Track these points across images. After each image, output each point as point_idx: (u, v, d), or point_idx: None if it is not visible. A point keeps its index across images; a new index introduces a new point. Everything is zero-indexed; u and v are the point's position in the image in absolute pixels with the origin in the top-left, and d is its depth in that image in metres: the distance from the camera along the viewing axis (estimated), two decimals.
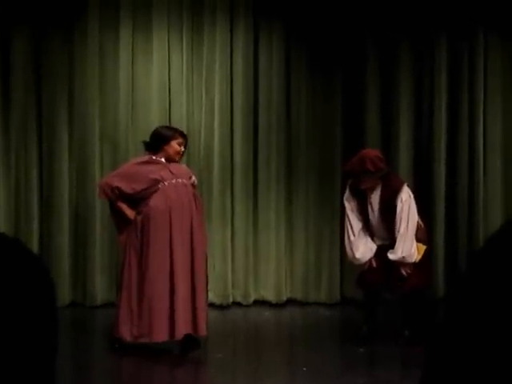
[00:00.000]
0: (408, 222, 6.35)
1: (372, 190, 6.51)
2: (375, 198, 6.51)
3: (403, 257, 6.34)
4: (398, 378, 5.83)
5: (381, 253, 6.48)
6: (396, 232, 6.37)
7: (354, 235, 6.55)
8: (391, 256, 6.38)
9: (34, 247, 7.91)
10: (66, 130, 8.14)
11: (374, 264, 6.50)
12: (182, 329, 6.07)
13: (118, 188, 6.23)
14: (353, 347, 6.47)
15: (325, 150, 8.41)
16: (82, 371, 6.13)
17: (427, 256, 6.66)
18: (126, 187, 6.21)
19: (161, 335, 6.10)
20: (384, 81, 8.40)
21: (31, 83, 8.06)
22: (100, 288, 8.11)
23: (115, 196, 6.25)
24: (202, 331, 6.17)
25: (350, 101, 8.40)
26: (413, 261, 6.39)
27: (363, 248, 6.55)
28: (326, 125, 8.42)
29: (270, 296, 8.34)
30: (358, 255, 6.54)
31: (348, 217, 6.60)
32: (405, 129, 8.36)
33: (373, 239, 6.57)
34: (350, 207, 6.60)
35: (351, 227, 6.56)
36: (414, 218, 6.40)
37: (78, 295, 8.18)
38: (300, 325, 7.65)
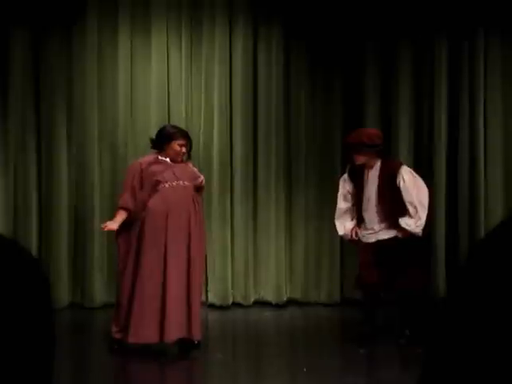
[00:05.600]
0: (418, 195, 6.36)
1: (370, 167, 6.52)
2: (373, 176, 6.51)
3: (415, 228, 6.32)
4: (398, 379, 5.80)
5: (377, 250, 6.44)
6: (408, 205, 6.33)
7: (336, 217, 6.71)
8: (403, 223, 6.35)
9: (33, 248, 7.90)
10: (64, 132, 8.14)
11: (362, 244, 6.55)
12: (174, 332, 6.03)
13: (128, 209, 6.22)
14: (353, 348, 6.45)
15: (324, 150, 8.41)
16: (80, 372, 6.12)
17: (425, 258, 6.66)
18: (135, 203, 6.20)
19: (151, 337, 6.06)
20: (384, 83, 8.40)
21: (30, 85, 8.06)
22: (99, 289, 8.10)
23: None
24: (197, 335, 6.13)
25: (350, 102, 8.40)
26: (420, 235, 6.39)
27: (342, 225, 6.67)
28: (325, 125, 8.42)
29: (270, 297, 8.33)
30: (340, 232, 6.71)
31: (338, 198, 6.71)
32: (405, 131, 8.35)
33: (360, 226, 6.59)
34: (342, 190, 6.67)
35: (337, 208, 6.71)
36: (424, 190, 6.40)
37: (76, 296, 8.17)
38: (300, 325, 7.63)
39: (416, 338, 6.43)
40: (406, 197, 6.35)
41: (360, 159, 6.49)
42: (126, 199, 6.21)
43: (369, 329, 6.64)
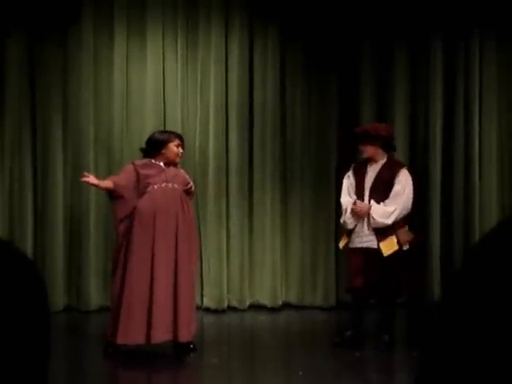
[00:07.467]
0: (407, 196, 6.33)
1: (374, 162, 6.43)
2: (374, 171, 6.42)
3: (377, 218, 6.27)
4: (393, 382, 5.80)
5: (364, 255, 6.40)
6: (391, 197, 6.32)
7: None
8: (373, 206, 6.30)
9: (28, 252, 7.87)
10: (60, 133, 8.13)
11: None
12: (160, 333, 6.05)
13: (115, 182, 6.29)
14: (348, 351, 6.43)
15: (320, 153, 8.41)
16: (76, 376, 6.10)
17: (418, 264, 6.64)
18: (124, 183, 6.24)
19: (138, 338, 6.07)
20: (379, 85, 8.41)
21: (25, 86, 8.05)
22: (94, 293, 8.08)
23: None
24: (183, 337, 6.12)
25: (345, 104, 8.40)
26: (376, 225, 6.29)
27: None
28: (321, 128, 8.42)
29: (265, 300, 8.32)
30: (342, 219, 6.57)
31: (342, 193, 6.60)
32: (400, 133, 8.34)
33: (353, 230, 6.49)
34: (345, 185, 6.57)
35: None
36: (409, 197, 6.35)
37: (72, 300, 8.15)
38: (296, 329, 7.62)
39: (394, 343, 6.42)
40: (393, 192, 6.33)
41: (367, 151, 6.40)
42: (116, 176, 6.30)
43: (352, 333, 6.56)
